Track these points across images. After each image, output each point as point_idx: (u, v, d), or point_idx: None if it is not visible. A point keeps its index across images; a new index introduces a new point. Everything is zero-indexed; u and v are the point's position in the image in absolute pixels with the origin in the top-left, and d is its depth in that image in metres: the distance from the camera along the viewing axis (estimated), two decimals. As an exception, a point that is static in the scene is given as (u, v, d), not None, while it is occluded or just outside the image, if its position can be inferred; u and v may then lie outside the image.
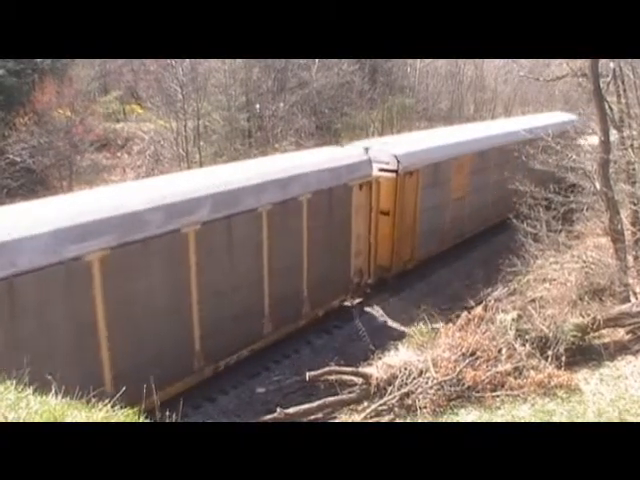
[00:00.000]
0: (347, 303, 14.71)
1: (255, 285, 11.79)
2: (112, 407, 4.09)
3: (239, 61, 28.46)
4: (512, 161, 19.71)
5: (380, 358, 11.45)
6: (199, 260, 10.48)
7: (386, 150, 15.82)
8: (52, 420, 3.65)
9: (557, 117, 26.08)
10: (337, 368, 10.86)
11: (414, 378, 10.07)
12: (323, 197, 13.08)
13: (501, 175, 19.97)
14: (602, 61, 12.40)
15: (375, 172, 14.99)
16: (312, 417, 10.05)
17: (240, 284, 11.42)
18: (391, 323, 14.26)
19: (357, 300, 15.03)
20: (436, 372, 10.06)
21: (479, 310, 11.73)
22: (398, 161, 15.43)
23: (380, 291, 15.74)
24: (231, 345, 11.41)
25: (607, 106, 12.49)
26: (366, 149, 15.15)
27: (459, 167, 18.34)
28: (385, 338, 13.14)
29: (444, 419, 9.39)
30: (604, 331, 11.53)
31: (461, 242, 19.11)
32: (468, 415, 9.49)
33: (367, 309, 14.92)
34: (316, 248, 13.00)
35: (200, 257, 10.50)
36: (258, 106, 29.99)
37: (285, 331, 12.84)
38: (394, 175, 15.44)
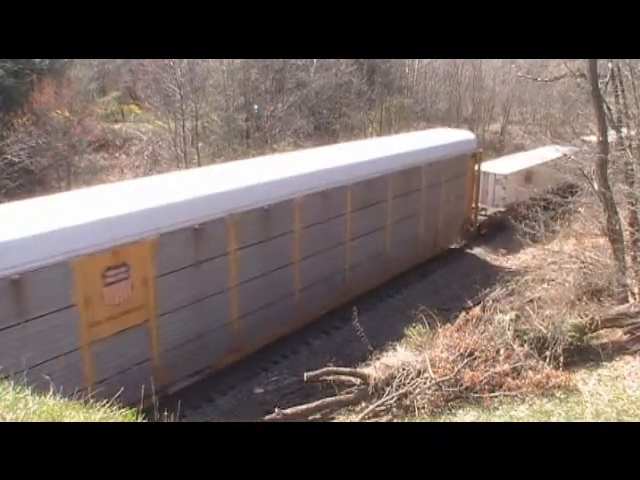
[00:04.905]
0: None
1: None
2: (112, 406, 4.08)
3: (237, 61, 28.44)
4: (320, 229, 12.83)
5: (378, 359, 11.44)
6: None
7: None
8: (50, 420, 3.64)
9: (445, 138, 19.13)
10: (335, 369, 10.86)
11: (412, 379, 10.07)
12: None
13: (270, 262, 12.33)
14: (600, 61, 12.40)
15: None
16: (310, 418, 10.05)
17: None
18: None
19: None
20: (434, 372, 10.05)
21: (477, 310, 11.73)
22: None
23: None
24: None
25: (605, 106, 12.50)
26: None
27: (108, 268, 9.56)
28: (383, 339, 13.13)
29: (442, 419, 9.39)
30: (602, 331, 11.56)
31: None
32: (466, 415, 9.49)
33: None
34: None
35: None
36: (256, 107, 29.97)
37: None
38: None
